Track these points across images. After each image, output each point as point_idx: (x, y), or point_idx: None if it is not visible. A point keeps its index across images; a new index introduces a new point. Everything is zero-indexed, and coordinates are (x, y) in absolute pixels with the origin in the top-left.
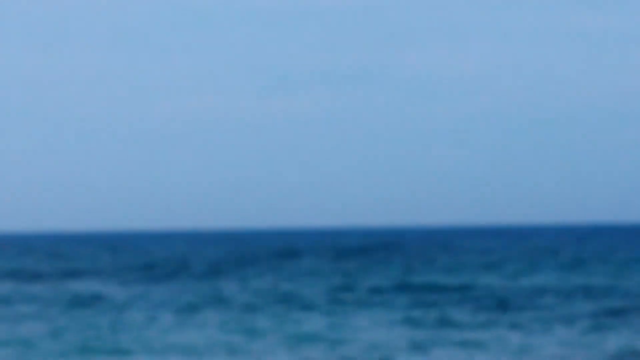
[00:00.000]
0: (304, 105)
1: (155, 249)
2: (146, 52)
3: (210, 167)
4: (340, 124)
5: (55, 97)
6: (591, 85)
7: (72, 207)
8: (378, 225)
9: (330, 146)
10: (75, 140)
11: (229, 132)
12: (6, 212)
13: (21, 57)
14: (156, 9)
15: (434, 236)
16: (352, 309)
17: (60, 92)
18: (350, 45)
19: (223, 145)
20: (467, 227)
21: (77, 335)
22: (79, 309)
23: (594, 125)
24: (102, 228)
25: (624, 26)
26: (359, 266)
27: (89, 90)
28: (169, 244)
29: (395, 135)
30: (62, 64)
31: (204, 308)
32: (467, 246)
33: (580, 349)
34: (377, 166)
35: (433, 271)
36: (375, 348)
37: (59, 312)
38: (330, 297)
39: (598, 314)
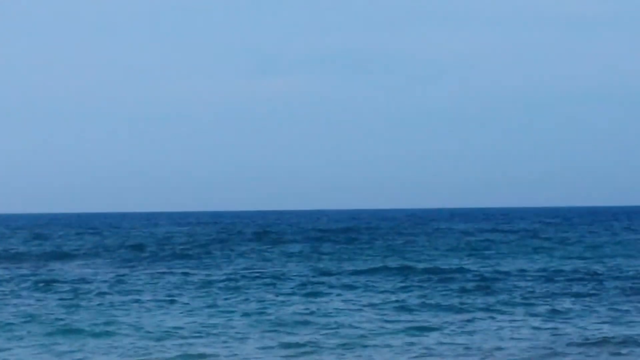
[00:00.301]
0: (290, 87)
1: (139, 230)
2: (134, 38)
3: (194, 149)
4: (327, 106)
5: (41, 83)
6: (581, 70)
7: (56, 190)
8: (363, 207)
9: (315, 129)
10: (59, 125)
11: (214, 114)
12: None
13: (16, 45)
14: None
15: (417, 219)
16: (333, 291)
17: (46, 78)
18: (338, 28)
19: (207, 127)
20: (450, 209)
21: (59, 317)
22: (62, 291)
23: (583, 109)
24: (86, 210)
25: (614, 12)
26: (342, 249)
27: (73, 75)
28: (152, 226)
29: (381, 118)
30: (53, 51)
31: (185, 290)
32: (447, 228)
33: (550, 334)
34: (362, 149)
35: (414, 254)
36: (348, 331)
37: (41, 293)
38: (312, 280)
39: (574, 298)
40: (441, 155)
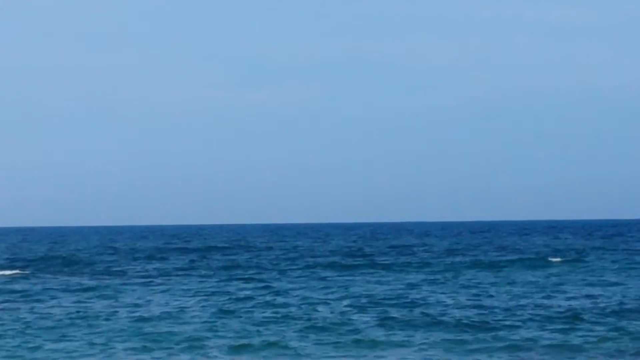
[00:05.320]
0: (276, 97)
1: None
2: (121, 47)
3: (182, 159)
4: (311, 115)
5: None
6: (560, 78)
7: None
8: (351, 221)
9: (301, 139)
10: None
11: (200, 123)
12: None
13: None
14: (131, 5)
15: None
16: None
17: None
18: (330, 37)
19: (196, 136)
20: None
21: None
22: None
23: (567, 118)
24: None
25: (588, 19)
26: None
27: (60, 83)
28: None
29: (366, 127)
30: (41, 59)
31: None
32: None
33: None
34: (348, 159)
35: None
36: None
37: None
38: None
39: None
40: (438, 163)
